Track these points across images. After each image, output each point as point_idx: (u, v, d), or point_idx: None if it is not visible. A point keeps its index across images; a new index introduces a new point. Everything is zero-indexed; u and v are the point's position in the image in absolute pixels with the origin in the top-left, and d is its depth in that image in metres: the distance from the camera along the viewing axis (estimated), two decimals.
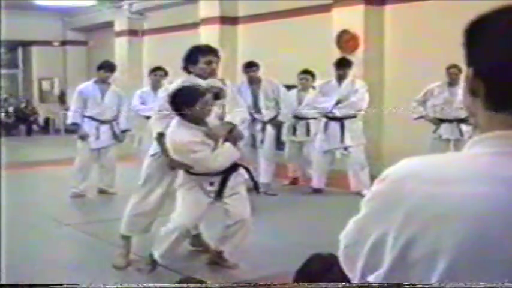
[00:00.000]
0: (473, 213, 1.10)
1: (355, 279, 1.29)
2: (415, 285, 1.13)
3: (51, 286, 1.38)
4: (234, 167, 5.31)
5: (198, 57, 5.44)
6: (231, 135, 5.30)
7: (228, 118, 5.41)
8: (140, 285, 1.64)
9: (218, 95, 5.39)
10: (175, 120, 5.14)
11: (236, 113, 5.49)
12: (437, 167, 1.20)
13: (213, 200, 5.32)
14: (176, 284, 2.10)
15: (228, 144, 5.23)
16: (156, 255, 5.36)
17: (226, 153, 5.19)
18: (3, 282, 4.23)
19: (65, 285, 1.34)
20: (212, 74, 5.47)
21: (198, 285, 1.79)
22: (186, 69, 5.54)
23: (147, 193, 5.60)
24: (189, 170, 5.22)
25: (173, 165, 5.33)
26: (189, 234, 5.59)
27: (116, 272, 5.52)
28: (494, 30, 1.17)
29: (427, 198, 1.13)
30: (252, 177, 5.64)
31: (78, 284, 1.43)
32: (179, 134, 5.09)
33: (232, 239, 5.50)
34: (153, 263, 5.41)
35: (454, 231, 1.10)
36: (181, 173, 5.31)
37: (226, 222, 5.44)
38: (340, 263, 1.38)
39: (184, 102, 5.04)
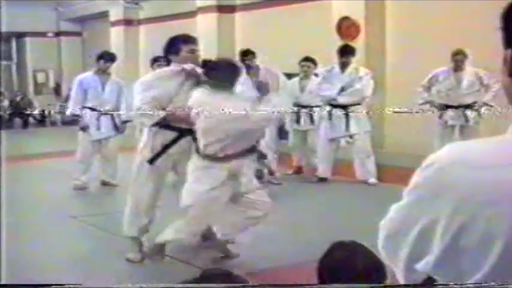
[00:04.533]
0: None
1: (398, 268, 1.29)
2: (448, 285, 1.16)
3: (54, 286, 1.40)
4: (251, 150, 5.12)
5: (180, 46, 5.33)
6: None
7: None
8: (136, 285, 1.62)
9: None
10: None
11: None
12: (483, 152, 1.20)
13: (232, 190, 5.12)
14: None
15: None
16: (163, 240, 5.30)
17: None
18: (5, 280, 4.14)
19: (66, 286, 1.34)
20: (195, 63, 5.30)
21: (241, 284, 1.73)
22: (166, 59, 5.48)
23: (137, 192, 5.48)
24: (201, 153, 5.01)
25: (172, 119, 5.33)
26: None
27: (129, 264, 5.45)
28: None
29: (477, 184, 1.14)
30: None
31: (80, 284, 1.42)
32: None
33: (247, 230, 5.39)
34: (161, 250, 5.36)
35: (506, 215, 1.11)
36: (194, 158, 5.11)
37: (248, 214, 5.24)
38: (380, 252, 1.37)
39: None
